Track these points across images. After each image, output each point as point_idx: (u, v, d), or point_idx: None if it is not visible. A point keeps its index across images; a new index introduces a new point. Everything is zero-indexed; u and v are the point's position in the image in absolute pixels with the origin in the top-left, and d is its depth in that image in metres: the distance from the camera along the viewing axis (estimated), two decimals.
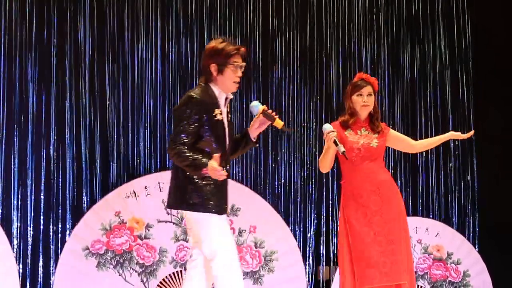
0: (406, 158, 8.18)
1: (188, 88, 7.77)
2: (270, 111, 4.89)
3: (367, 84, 5.88)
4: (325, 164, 5.81)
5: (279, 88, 8.00)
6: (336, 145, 5.57)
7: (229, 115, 4.91)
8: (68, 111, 7.57)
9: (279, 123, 4.87)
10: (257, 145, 5.02)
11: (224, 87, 4.83)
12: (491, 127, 8.25)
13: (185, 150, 4.64)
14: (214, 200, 4.72)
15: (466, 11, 8.37)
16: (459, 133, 5.94)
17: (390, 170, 8.07)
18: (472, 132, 5.92)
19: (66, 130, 7.55)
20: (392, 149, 8.07)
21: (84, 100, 7.60)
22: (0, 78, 7.45)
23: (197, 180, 4.71)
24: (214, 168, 4.54)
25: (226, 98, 4.87)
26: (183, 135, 4.67)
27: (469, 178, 8.26)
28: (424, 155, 8.19)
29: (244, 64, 4.86)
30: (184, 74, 7.83)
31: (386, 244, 5.73)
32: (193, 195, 4.74)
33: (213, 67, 4.80)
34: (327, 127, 5.66)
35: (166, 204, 5.01)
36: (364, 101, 5.86)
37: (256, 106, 4.91)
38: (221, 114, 4.77)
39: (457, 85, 8.34)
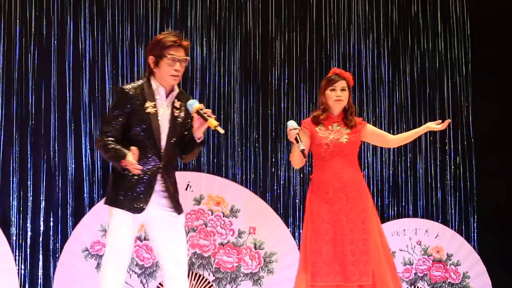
0: (406, 159, 8.17)
1: (188, 90, 7.77)
2: (205, 110, 4.67)
3: (340, 79, 5.86)
4: (294, 161, 5.80)
5: (279, 89, 8.00)
6: (297, 142, 5.54)
7: (177, 111, 4.76)
8: (68, 111, 7.56)
9: (212, 123, 4.62)
10: (202, 145, 4.81)
11: (162, 80, 4.72)
12: (491, 127, 8.24)
13: (110, 142, 4.61)
14: (128, 196, 4.65)
15: (465, 11, 8.36)
16: (435, 123, 5.80)
17: (390, 171, 8.08)
18: (448, 121, 5.80)
19: (66, 131, 7.54)
20: (392, 149, 8.07)
21: (84, 100, 7.60)
22: None
23: (121, 179, 4.67)
24: (129, 161, 4.49)
25: (172, 92, 4.77)
26: (110, 128, 4.65)
27: (468, 179, 8.24)
28: (424, 155, 8.18)
29: (184, 57, 4.74)
30: (184, 76, 7.79)
31: (347, 244, 5.68)
32: (112, 190, 4.71)
33: (151, 60, 4.74)
34: (290, 124, 5.59)
35: None
36: (337, 96, 5.83)
37: (191, 105, 4.71)
38: (154, 107, 4.67)
39: (456, 85, 8.32)
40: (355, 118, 5.91)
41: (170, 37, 4.71)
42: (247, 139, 7.88)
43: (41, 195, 7.45)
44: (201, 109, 4.66)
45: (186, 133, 4.81)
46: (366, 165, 8.04)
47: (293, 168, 7.88)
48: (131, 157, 4.52)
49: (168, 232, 4.77)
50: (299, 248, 7.65)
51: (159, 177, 4.70)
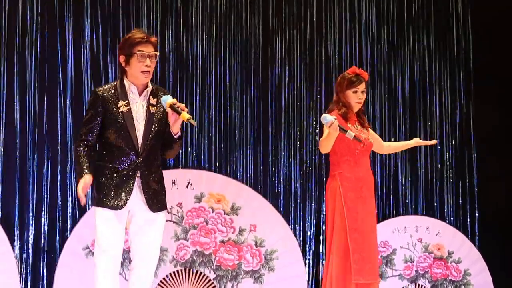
0: (407, 157, 8.17)
1: (188, 87, 7.78)
2: (178, 104, 4.70)
3: (362, 81, 5.89)
4: (327, 145, 5.71)
5: (279, 87, 8.00)
6: (344, 131, 5.52)
7: (153, 107, 4.81)
8: (70, 110, 7.56)
9: (184, 116, 4.67)
10: (180, 140, 4.86)
11: (134, 78, 4.79)
12: (490, 131, 8.24)
13: (81, 153, 4.74)
14: (108, 195, 4.76)
15: (465, 17, 8.36)
16: (422, 140, 6.06)
17: (391, 168, 8.08)
18: (435, 141, 6.16)
19: (67, 130, 7.54)
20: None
21: (85, 100, 7.60)
22: (1, 77, 7.45)
23: (101, 179, 4.80)
24: (78, 191, 4.66)
25: (144, 90, 4.83)
26: (84, 130, 4.78)
27: (468, 176, 8.23)
28: (424, 153, 8.18)
29: (154, 53, 4.79)
30: (184, 74, 7.83)
31: (373, 241, 5.79)
32: (95, 191, 4.83)
33: (121, 59, 4.81)
34: (328, 117, 5.57)
35: None
36: (359, 98, 5.88)
37: (164, 101, 4.75)
38: (127, 105, 4.75)
39: (456, 85, 8.32)
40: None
41: (138, 34, 4.78)
42: (248, 136, 7.88)
43: (43, 194, 7.46)
44: (174, 104, 4.70)
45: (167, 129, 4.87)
46: None
47: (293, 165, 7.89)
48: (80, 187, 4.66)
49: (143, 229, 4.89)
50: (299, 246, 7.66)
51: (138, 174, 4.79)
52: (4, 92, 7.46)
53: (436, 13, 8.32)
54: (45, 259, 7.39)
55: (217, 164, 7.77)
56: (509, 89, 8.28)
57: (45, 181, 7.46)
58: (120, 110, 4.74)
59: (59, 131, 7.50)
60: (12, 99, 7.44)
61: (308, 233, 7.89)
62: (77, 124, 7.53)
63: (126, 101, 4.76)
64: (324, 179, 7.97)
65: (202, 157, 7.78)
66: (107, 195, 4.77)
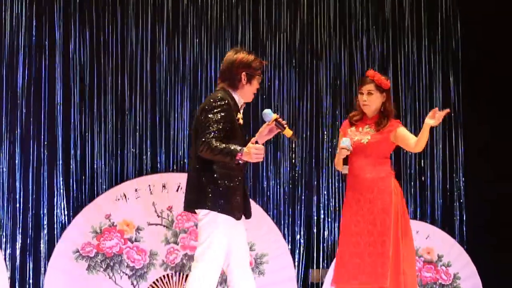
0: (396, 161, 8.18)
1: (179, 91, 7.78)
2: (281, 120, 5.11)
3: (368, 82, 5.73)
4: (338, 167, 5.85)
5: (269, 90, 8.00)
6: (344, 164, 5.68)
7: (241, 120, 5.10)
8: (59, 114, 7.56)
9: (288, 132, 5.10)
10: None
11: (246, 95, 5.12)
12: (480, 128, 8.25)
13: (218, 142, 4.81)
14: (236, 206, 4.94)
15: (456, 13, 8.38)
16: (432, 116, 5.50)
17: None
18: (447, 110, 5.61)
19: (57, 133, 7.54)
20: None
21: (75, 103, 7.60)
22: None
23: (227, 183, 4.91)
24: (253, 147, 4.72)
25: (242, 105, 5.13)
26: (215, 131, 4.85)
27: (458, 186, 8.24)
28: (414, 157, 8.17)
29: None
30: (176, 77, 7.83)
31: (364, 246, 5.64)
32: (217, 195, 4.94)
33: (244, 76, 5.06)
34: (344, 142, 5.66)
35: (184, 206, 5.20)
36: (363, 100, 5.74)
37: (270, 114, 5.12)
38: (242, 118, 5.06)
39: (447, 87, 8.32)
40: (391, 121, 5.77)
41: (257, 58, 5.11)
42: None
43: (30, 197, 7.45)
44: (278, 119, 5.12)
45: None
46: None
47: (283, 169, 7.90)
48: (253, 146, 4.75)
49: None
50: (289, 250, 7.66)
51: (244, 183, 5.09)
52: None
53: (427, 22, 8.31)
54: (34, 262, 7.39)
55: None
56: (499, 95, 8.29)
57: (34, 184, 7.47)
58: (238, 122, 5.02)
59: (48, 134, 7.52)
60: (1, 102, 7.45)
61: (298, 237, 7.88)
62: (66, 127, 7.54)
63: (240, 114, 5.05)
64: (315, 183, 7.97)
65: None
66: (235, 206, 4.94)
